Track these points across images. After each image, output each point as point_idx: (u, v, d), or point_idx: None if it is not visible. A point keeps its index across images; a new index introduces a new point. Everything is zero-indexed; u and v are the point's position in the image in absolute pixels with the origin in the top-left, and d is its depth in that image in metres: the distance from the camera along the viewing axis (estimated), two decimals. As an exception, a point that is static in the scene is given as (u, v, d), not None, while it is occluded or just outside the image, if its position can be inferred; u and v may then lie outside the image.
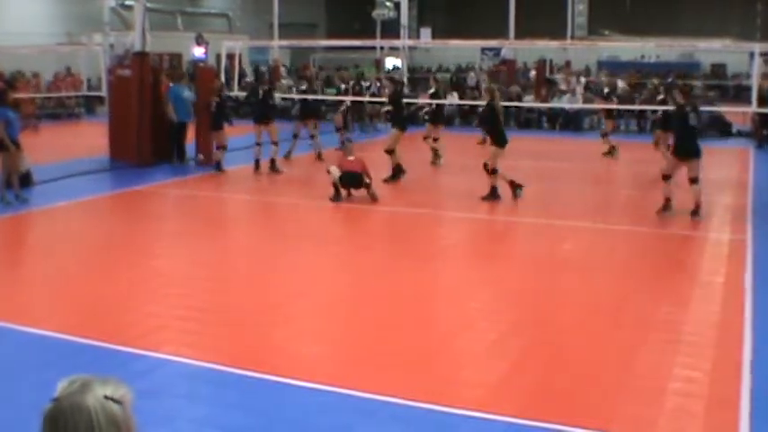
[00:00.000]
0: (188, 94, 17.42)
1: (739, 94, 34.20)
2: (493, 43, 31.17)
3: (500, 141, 13.46)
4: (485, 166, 13.39)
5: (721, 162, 19.45)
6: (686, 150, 12.23)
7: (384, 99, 20.35)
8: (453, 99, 22.92)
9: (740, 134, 23.80)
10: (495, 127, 13.62)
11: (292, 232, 11.63)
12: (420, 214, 12.62)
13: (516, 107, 25.87)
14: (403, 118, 16.16)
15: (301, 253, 10.39)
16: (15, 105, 13.77)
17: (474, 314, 7.62)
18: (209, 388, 5.90)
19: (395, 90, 17.05)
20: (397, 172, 15.11)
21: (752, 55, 22.48)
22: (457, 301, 8.11)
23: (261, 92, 17.14)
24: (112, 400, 1.91)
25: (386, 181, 14.70)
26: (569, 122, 25.83)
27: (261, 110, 16.63)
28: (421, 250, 10.46)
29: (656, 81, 27.78)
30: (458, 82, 31.34)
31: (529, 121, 26.52)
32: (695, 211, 12.06)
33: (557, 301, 8.13)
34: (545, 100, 26.23)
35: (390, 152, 15.25)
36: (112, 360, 6.32)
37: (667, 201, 12.33)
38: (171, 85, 17.60)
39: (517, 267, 9.63)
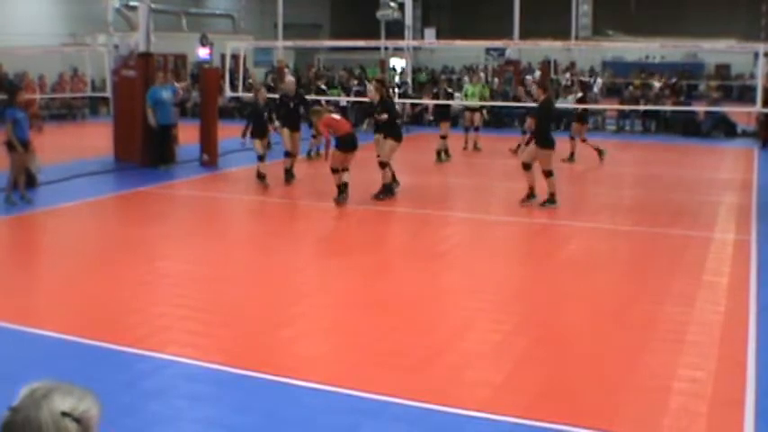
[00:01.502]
0: (168, 95, 16.80)
1: (744, 94, 34.15)
2: (497, 44, 31.15)
3: (397, 135, 13.60)
4: (380, 163, 13.47)
5: (726, 162, 19.45)
6: (543, 141, 12.89)
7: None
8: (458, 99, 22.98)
9: (745, 134, 23.77)
10: (391, 120, 13.65)
11: (297, 233, 11.65)
12: (423, 215, 12.61)
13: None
14: (397, 126, 14.15)
15: (306, 253, 10.40)
16: (26, 106, 13.84)
17: (478, 314, 7.61)
18: (214, 388, 5.90)
19: (383, 95, 14.32)
20: (389, 187, 13.64)
21: (756, 55, 22.49)
22: (461, 302, 8.11)
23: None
24: (70, 416, 1.79)
25: (377, 197, 13.39)
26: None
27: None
28: (424, 250, 10.46)
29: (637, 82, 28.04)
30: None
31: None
32: (550, 200, 12.77)
33: (561, 302, 8.12)
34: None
35: (384, 165, 13.56)
36: (116, 360, 6.33)
37: (531, 189, 12.97)
38: (150, 87, 16.64)
39: (521, 267, 9.63)
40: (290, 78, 16.72)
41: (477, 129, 20.12)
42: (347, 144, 12.96)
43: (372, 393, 5.70)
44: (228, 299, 8.12)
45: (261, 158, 14.75)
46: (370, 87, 14.72)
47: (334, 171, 13.02)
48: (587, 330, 7.29)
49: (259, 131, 14.82)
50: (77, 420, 1.79)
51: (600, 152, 18.26)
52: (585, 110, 19.38)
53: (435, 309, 7.91)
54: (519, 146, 19.14)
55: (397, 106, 16.61)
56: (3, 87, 23.19)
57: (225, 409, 5.52)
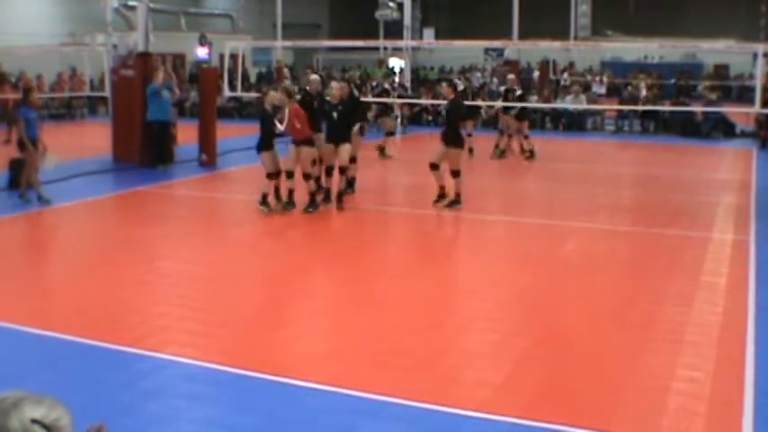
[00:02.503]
0: (166, 92, 16.79)
1: (742, 94, 34.17)
2: (496, 44, 31.20)
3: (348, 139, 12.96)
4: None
5: (725, 163, 19.46)
6: (454, 140, 12.69)
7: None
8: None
9: (744, 134, 23.78)
10: (347, 125, 13.06)
11: (294, 233, 11.65)
12: (422, 215, 12.60)
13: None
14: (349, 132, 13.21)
15: (305, 253, 10.40)
16: (36, 105, 13.92)
17: (477, 314, 7.62)
18: (213, 388, 5.91)
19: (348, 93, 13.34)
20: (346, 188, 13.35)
21: (755, 55, 22.49)
22: (459, 302, 8.12)
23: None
24: (40, 424, 1.78)
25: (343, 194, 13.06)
26: (572, 123, 25.81)
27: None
28: (424, 250, 10.46)
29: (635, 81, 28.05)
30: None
31: (532, 121, 26.48)
32: (456, 200, 12.56)
33: (560, 302, 8.13)
34: (548, 100, 26.23)
35: (353, 161, 13.48)
36: (116, 360, 6.33)
37: (442, 188, 12.73)
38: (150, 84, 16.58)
39: (520, 268, 9.63)
40: (314, 77, 15.66)
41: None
42: (311, 143, 12.36)
43: (372, 393, 5.70)
44: (228, 299, 8.12)
45: (270, 176, 12.42)
46: (336, 85, 13.13)
47: (309, 177, 12.32)
48: (586, 330, 7.29)
49: (266, 142, 12.40)
50: (48, 428, 1.77)
51: (525, 151, 18.60)
52: (524, 107, 19.31)
53: (435, 309, 7.92)
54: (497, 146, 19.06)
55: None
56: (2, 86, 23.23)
57: (224, 408, 5.52)
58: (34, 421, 1.76)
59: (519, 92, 19.47)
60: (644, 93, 27.33)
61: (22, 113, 12.86)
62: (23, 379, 5.91)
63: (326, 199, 12.81)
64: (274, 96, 12.59)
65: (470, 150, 18.50)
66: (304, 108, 12.76)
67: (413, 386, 5.81)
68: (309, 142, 12.31)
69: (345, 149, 12.75)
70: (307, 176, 12.36)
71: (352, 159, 13.60)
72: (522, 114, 19.10)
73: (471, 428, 5.24)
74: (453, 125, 12.89)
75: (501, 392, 5.81)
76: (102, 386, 5.73)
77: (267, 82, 30.16)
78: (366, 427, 5.27)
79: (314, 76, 15.28)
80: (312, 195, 12.37)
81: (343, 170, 12.89)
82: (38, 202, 12.65)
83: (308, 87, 14.08)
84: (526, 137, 18.83)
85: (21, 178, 12.91)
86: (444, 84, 14.51)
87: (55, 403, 1.81)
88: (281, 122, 12.12)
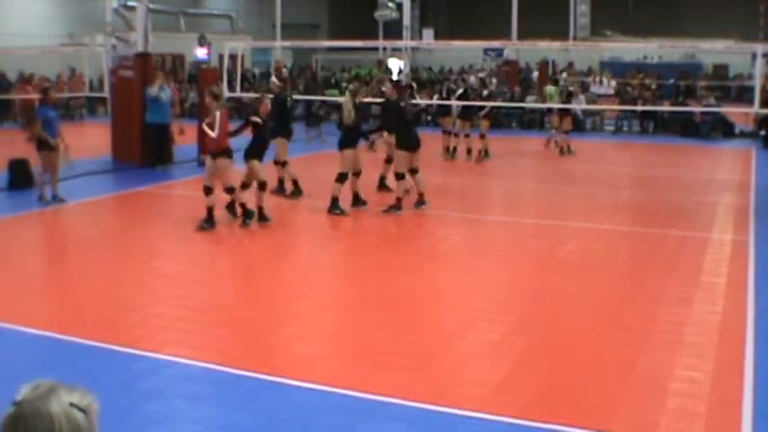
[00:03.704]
0: (165, 94, 16.79)
1: (742, 94, 34.17)
2: (495, 44, 31.11)
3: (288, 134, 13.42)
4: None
5: (724, 163, 19.45)
6: (413, 143, 12.50)
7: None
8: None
9: (743, 135, 23.77)
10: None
11: (293, 233, 11.64)
12: (419, 215, 12.59)
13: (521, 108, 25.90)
14: (287, 125, 13.62)
15: (302, 254, 10.39)
16: (55, 105, 13.91)
17: (476, 315, 7.61)
18: (211, 388, 5.90)
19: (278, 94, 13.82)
20: (290, 188, 13.64)
21: (754, 55, 22.51)
22: (458, 302, 8.11)
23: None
24: (78, 408, 1.85)
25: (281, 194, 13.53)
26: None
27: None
28: (421, 251, 10.46)
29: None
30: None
31: (531, 121, 26.49)
32: (395, 206, 12.32)
33: (558, 302, 8.12)
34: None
35: (283, 164, 13.64)
36: (114, 361, 6.32)
37: (421, 195, 12.53)
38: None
39: (518, 268, 9.62)
40: (273, 79, 15.71)
41: (567, 132, 20.11)
42: (230, 154, 11.33)
43: (370, 393, 5.70)
44: (226, 299, 8.12)
45: (245, 186, 11.76)
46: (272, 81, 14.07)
47: (233, 190, 11.43)
48: (586, 331, 7.29)
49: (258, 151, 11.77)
50: (84, 411, 1.86)
51: (484, 153, 18.50)
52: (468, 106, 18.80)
53: (434, 309, 7.92)
54: (486, 151, 18.83)
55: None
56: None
57: (222, 409, 5.52)
58: (72, 405, 1.84)
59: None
60: (610, 91, 27.44)
61: (39, 113, 12.89)
62: (21, 379, 5.89)
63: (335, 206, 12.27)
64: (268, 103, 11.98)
65: (469, 151, 18.49)
66: (274, 109, 12.59)
67: (412, 386, 5.80)
68: (228, 153, 11.21)
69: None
70: (230, 190, 11.38)
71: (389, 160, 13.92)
72: (489, 113, 19.17)
73: (470, 428, 5.24)
74: (397, 127, 12.72)
75: (500, 392, 5.81)
76: (100, 386, 5.66)
77: (266, 82, 30.09)
78: (364, 427, 5.26)
79: (273, 78, 15.67)
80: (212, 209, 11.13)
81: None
82: (37, 203, 12.65)
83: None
84: (467, 135, 18.70)
85: (44, 179, 12.89)
86: (389, 84, 14.54)
87: (85, 391, 1.91)
88: (210, 128, 11.05)
